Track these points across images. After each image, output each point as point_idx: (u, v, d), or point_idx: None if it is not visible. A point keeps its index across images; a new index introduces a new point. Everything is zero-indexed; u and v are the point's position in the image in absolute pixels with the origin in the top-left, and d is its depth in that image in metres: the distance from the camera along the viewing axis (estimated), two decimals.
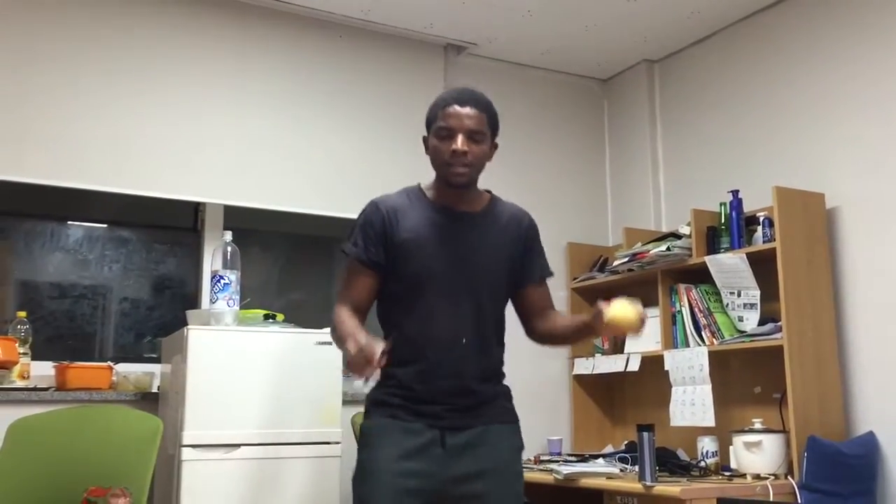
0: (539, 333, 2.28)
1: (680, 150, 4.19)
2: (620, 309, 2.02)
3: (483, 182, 4.16)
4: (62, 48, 3.33)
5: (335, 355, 3.03)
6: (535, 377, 4.11)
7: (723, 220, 3.45)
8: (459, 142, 2.06)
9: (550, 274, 2.32)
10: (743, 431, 3.16)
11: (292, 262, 4.17)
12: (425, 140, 2.17)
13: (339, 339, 2.01)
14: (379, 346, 1.82)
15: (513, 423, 2.19)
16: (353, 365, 1.86)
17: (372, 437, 2.08)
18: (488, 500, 2.06)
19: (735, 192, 3.44)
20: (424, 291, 2.09)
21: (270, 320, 3.13)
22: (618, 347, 3.97)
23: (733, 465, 3.20)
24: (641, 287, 3.87)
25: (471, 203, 2.19)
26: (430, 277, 2.09)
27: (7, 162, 3.17)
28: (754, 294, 3.34)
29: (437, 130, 2.10)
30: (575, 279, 4.20)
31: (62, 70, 3.31)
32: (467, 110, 2.08)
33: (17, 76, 3.24)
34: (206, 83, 3.59)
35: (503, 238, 2.20)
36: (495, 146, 2.18)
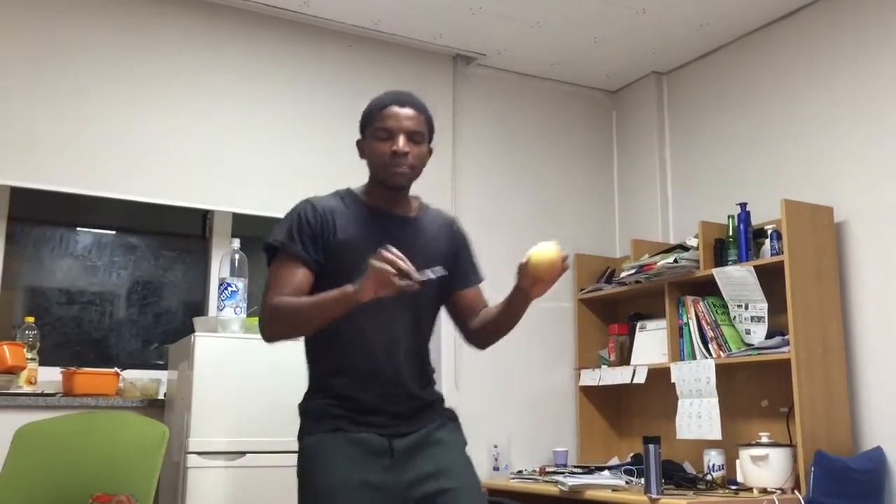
0: (474, 330, 2.20)
1: (688, 163, 4.19)
2: (539, 250, 1.95)
3: (488, 191, 4.17)
4: (71, 55, 3.35)
5: None
6: (541, 388, 4.10)
7: (731, 233, 3.45)
8: (401, 142, 2.03)
9: (482, 279, 2.27)
10: (750, 445, 3.14)
11: None
12: (360, 144, 2.15)
13: (318, 306, 1.92)
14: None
15: (455, 420, 2.14)
16: (381, 281, 1.79)
17: (320, 455, 1.98)
18: (456, 494, 1.98)
19: (743, 205, 3.44)
20: None
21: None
22: (624, 359, 3.96)
23: (740, 478, 3.19)
24: (649, 299, 3.87)
25: (405, 207, 2.16)
26: None
27: (17, 168, 3.19)
28: (762, 307, 3.34)
29: (376, 132, 2.07)
30: (582, 290, 4.20)
31: (71, 77, 3.33)
32: (407, 111, 2.06)
33: (27, 82, 3.26)
34: (216, 91, 3.60)
35: (437, 242, 2.17)
36: (431, 151, 2.14)
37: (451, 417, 2.14)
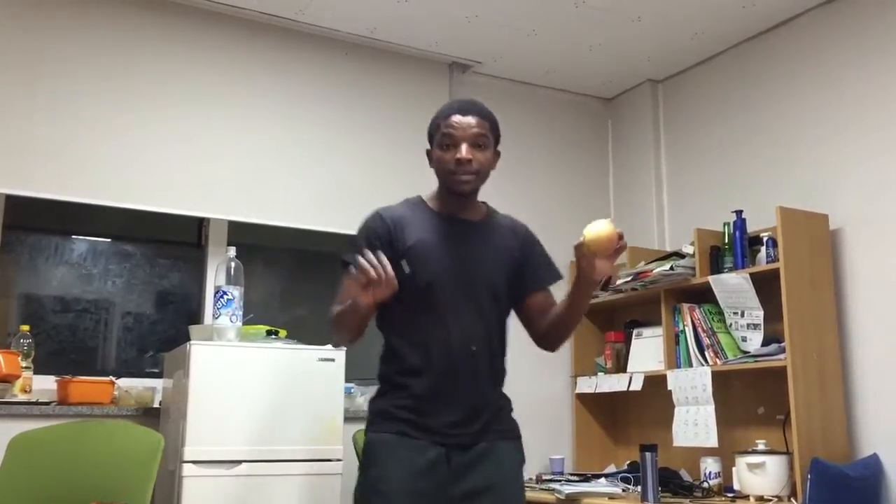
0: (544, 331, 2.23)
1: (683, 170, 4.19)
2: (592, 228, 1.98)
3: (483, 198, 4.17)
4: (67, 63, 3.35)
5: (337, 371, 3.04)
6: (538, 395, 4.10)
7: (726, 240, 3.45)
8: (464, 150, 2.07)
9: (559, 277, 2.30)
10: (746, 452, 3.14)
11: (295, 278, 4.17)
12: (429, 153, 2.19)
13: (342, 314, 2.02)
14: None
15: (516, 440, 2.18)
16: (360, 287, 1.86)
17: (378, 454, 2.05)
18: None
19: (739, 212, 3.44)
20: (433, 298, 2.07)
21: (273, 336, 3.12)
22: (620, 366, 3.96)
23: (736, 486, 3.19)
24: (644, 306, 3.88)
25: (472, 212, 2.21)
26: (438, 284, 2.07)
27: (12, 176, 3.19)
28: (758, 314, 3.34)
29: (441, 140, 2.11)
30: None
31: (67, 85, 3.33)
32: (469, 119, 2.10)
33: (22, 91, 3.26)
34: (211, 99, 3.60)
35: (504, 246, 2.20)
36: (498, 154, 2.19)
37: (512, 435, 2.17)
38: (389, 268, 1.85)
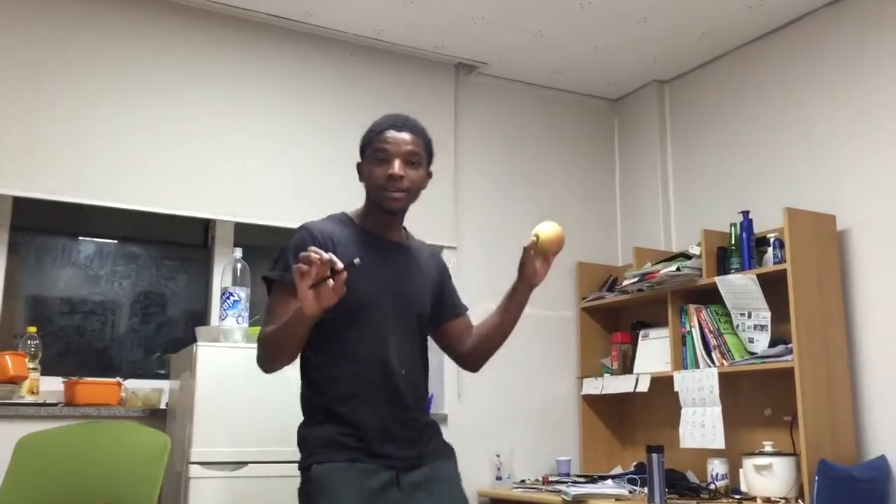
0: (467, 353, 2.23)
1: (690, 171, 4.19)
2: (545, 228, 2.07)
3: (490, 200, 4.17)
4: (73, 65, 3.36)
5: None
6: (544, 397, 4.09)
7: (733, 241, 3.44)
8: (396, 166, 2.03)
9: (466, 308, 2.31)
10: (753, 454, 3.14)
11: None
12: (359, 167, 2.14)
13: (274, 334, 1.89)
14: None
15: (452, 457, 2.16)
16: (303, 291, 1.71)
17: (329, 485, 1.94)
18: None
19: (745, 213, 3.43)
20: (363, 320, 2.01)
21: None
22: (627, 367, 3.95)
23: (743, 487, 3.18)
24: (651, 307, 3.87)
25: (398, 233, 2.18)
26: (369, 305, 2.02)
27: (19, 178, 3.19)
28: (765, 315, 3.33)
29: (373, 154, 2.07)
30: (584, 299, 4.20)
31: (73, 87, 3.34)
32: (404, 135, 2.06)
33: (29, 93, 3.26)
34: (217, 101, 3.61)
35: (427, 271, 2.20)
36: (430, 175, 2.15)
37: (450, 454, 2.16)
38: (340, 263, 1.71)
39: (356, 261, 1.72)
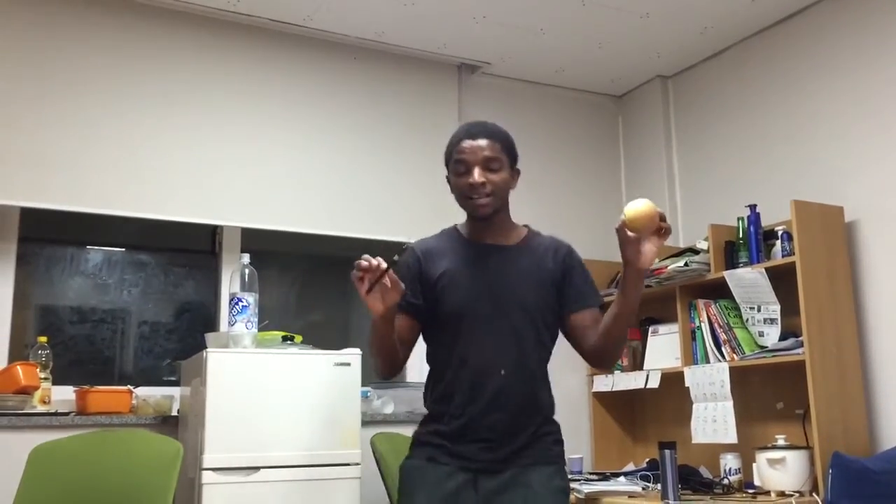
0: (592, 347, 2.15)
1: (696, 166, 4.18)
2: (632, 206, 1.92)
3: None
4: (79, 75, 3.37)
5: (354, 376, 3.04)
6: (555, 395, 4.07)
7: (741, 235, 3.43)
8: (476, 174, 2.08)
9: (598, 303, 2.22)
10: (766, 448, 3.13)
11: (310, 283, 4.18)
12: (449, 179, 2.19)
13: (370, 341, 2.05)
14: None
15: (554, 464, 2.12)
16: (364, 294, 1.88)
17: (407, 481, 2.11)
18: None
19: (753, 207, 3.42)
20: (461, 326, 2.09)
21: (289, 342, 3.13)
22: (637, 364, 3.95)
23: (757, 482, 3.17)
24: (660, 303, 3.86)
25: (505, 236, 2.19)
26: (465, 311, 2.09)
27: (26, 188, 3.20)
28: (774, 309, 3.32)
29: (454, 167, 2.13)
30: None
31: (79, 96, 3.35)
32: (480, 142, 2.10)
33: (35, 103, 3.28)
34: (223, 107, 3.62)
35: (539, 268, 2.17)
36: (517, 172, 2.19)
37: (549, 461, 2.11)
38: (384, 264, 1.86)
39: (395, 257, 1.89)
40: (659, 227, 1.92)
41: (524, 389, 2.10)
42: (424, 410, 2.20)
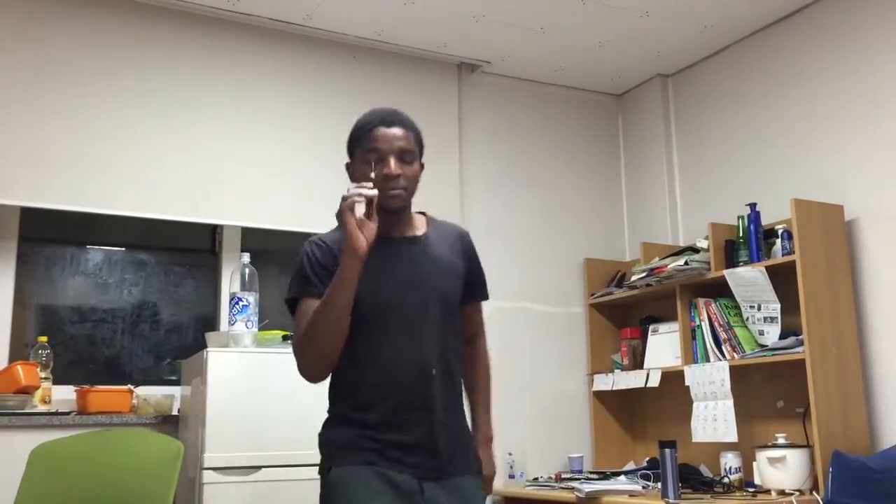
0: (464, 363, 2.12)
1: (696, 164, 4.18)
2: None
3: (496, 197, 4.15)
4: (78, 74, 3.37)
5: None
6: (555, 394, 4.09)
7: (741, 234, 3.43)
8: (392, 165, 1.94)
9: (485, 297, 2.20)
10: (766, 447, 3.13)
11: None
12: (349, 167, 2.07)
13: (322, 309, 1.83)
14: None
15: (479, 474, 2.07)
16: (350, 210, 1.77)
17: (346, 488, 1.88)
18: None
19: (753, 206, 3.42)
20: (385, 325, 1.94)
21: (289, 341, 3.13)
22: (637, 363, 3.95)
23: (757, 480, 3.17)
24: (660, 302, 3.86)
25: (410, 227, 2.07)
26: (389, 309, 1.94)
27: (26, 188, 3.20)
28: (774, 307, 3.32)
29: (366, 155, 1.97)
30: (592, 295, 4.19)
31: (79, 96, 3.35)
32: (395, 131, 1.98)
33: (34, 102, 3.27)
34: (222, 106, 3.62)
35: (449, 255, 2.08)
36: (422, 166, 2.06)
37: (476, 470, 2.06)
38: (375, 190, 1.77)
39: (373, 164, 1.88)
40: None
41: (453, 387, 2.02)
42: None
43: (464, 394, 2.11)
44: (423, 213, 2.15)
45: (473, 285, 2.15)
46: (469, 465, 2.02)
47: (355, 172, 2.03)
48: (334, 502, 1.90)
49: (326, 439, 1.98)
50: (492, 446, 2.12)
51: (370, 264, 1.89)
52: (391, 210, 1.98)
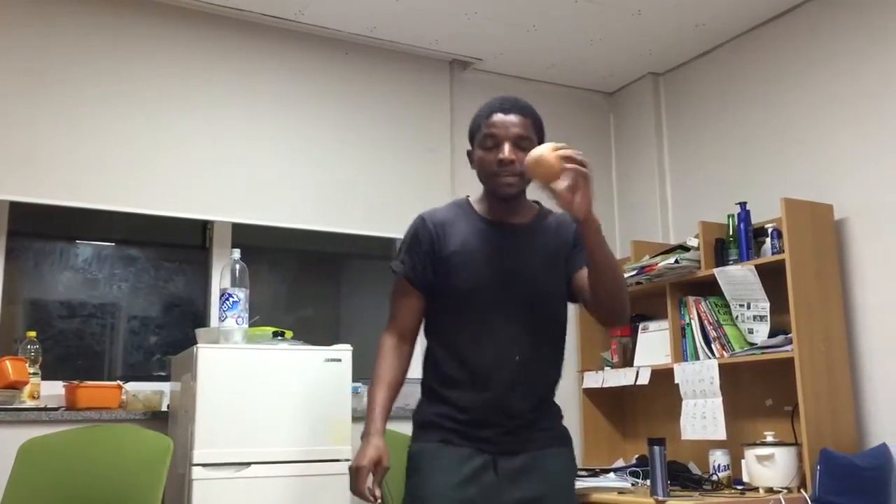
0: (593, 303, 2.05)
1: (687, 163, 4.19)
2: (529, 157, 1.84)
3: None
4: (68, 70, 3.35)
5: (345, 371, 3.04)
6: None
7: (731, 232, 3.45)
8: (506, 150, 1.99)
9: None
10: (755, 444, 3.14)
11: (300, 279, 4.17)
12: (470, 154, 2.11)
13: (369, 395, 2.05)
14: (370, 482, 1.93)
15: (566, 446, 2.12)
16: (350, 481, 1.96)
17: (422, 463, 2.01)
18: None
19: (743, 204, 3.44)
20: (474, 307, 2.01)
21: (279, 337, 3.12)
22: (627, 360, 3.96)
23: (745, 478, 3.18)
24: (650, 300, 3.87)
25: (521, 215, 2.11)
26: (480, 292, 2.01)
27: (16, 182, 3.19)
28: (764, 306, 3.33)
29: (483, 140, 2.03)
30: None
31: (69, 90, 3.34)
32: (512, 118, 2.02)
33: (25, 97, 3.26)
34: (214, 101, 3.60)
35: (555, 247, 2.11)
36: None
37: (562, 442, 2.10)
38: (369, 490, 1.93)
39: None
40: (565, 169, 1.80)
41: (538, 374, 2.06)
42: (413, 406, 2.16)
43: (556, 384, 2.14)
44: (536, 202, 2.17)
45: (577, 256, 2.10)
46: (553, 439, 2.07)
47: (474, 159, 2.08)
48: (410, 473, 2.04)
49: (415, 417, 2.12)
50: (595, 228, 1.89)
51: (470, 246, 2.02)
52: (504, 197, 2.04)
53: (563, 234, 2.14)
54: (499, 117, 2.03)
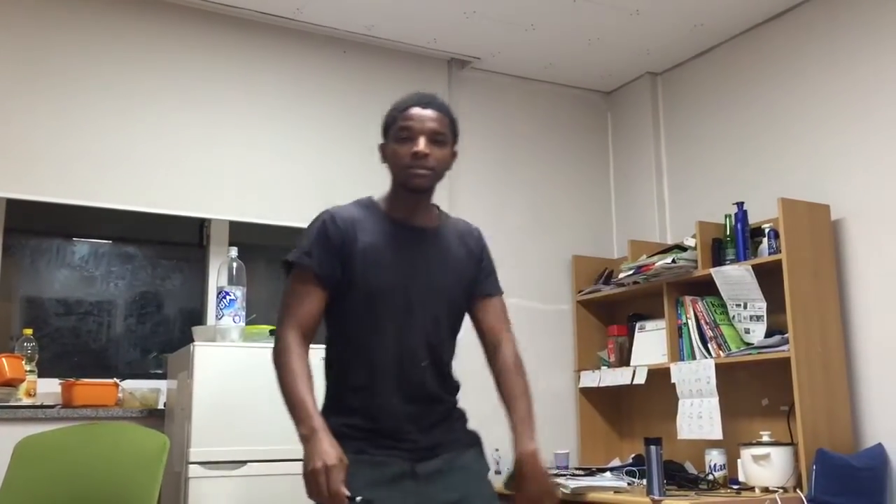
0: (493, 369, 2.14)
1: (684, 163, 4.19)
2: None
3: (485, 194, 4.12)
4: (66, 66, 3.35)
5: None
6: (541, 391, 4.04)
7: (728, 232, 3.45)
8: (421, 143, 1.95)
9: (500, 291, 2.18)
10: (751, 444, 3.14)
11: None
12: (382, 147, 2.07)
13: (289, 400, 1.92)
14: (342, 478, 1.77)
15: (478, 446, 2.11)
16: (310, 486, 1.79)
17: None
18: None
19: (740, 204, 3.44)
20: (381, 309, 1.97)
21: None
22: (624, 360, 3.96)
23: (741, 478, 3.19)
24: (647, 299, 3.87)
25: (426, 217, 2.08)
26: (388, 294, 1.97)
27: (12, 179, 3.19)
28: (760, 306, 3.34)
29: (397, 133, 1.99)
30: (580, 292, 4.20)
31: (67, 88, 3.33)
32: (429, 112, 1.99)
33: (22, 94, 3.26)
34: (211, 100, 3.60)
35: (460, 253, 2.10)
36: (455, 154, 2.06)
37: (474, 442, 2.09)
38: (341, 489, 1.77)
39: (358, 499, 1.77)
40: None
41: (442, 377, 2.04)
42: None
43: (458, 388, 2.11)
44: (436, 205, 2.15)
45: (486, 279, 2.14)
46: (465, 442, 2.06)
47: (386, 152, 2.04)
48: None
49: None
50: (539, 461, 1.98)
51: (380, 247, 1.97)
52: (415, 190, 2.01)
53: (468, 244, 2.14)
54: (416, 111, 1.99)
